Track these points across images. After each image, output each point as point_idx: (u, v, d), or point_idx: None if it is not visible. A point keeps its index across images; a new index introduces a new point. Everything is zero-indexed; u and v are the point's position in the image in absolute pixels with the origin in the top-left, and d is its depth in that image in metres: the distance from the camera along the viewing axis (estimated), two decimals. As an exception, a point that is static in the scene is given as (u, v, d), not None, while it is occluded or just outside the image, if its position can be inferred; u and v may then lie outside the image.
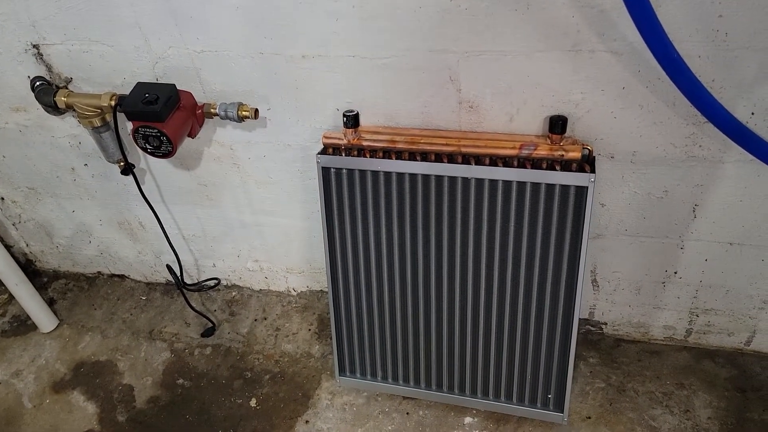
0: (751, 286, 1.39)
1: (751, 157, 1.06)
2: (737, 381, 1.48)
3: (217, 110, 1.33)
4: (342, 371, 1.57)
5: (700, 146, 1.17)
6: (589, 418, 1.44)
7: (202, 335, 1.77)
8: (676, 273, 1.42)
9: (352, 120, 1.27)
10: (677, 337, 1.56)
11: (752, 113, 1.09)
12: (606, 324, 1.60)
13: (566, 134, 1.19)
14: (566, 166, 1.19)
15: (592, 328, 1.62)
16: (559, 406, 1.42)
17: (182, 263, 1.75)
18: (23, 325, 1.88)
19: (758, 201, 1.23)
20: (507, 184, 1.22)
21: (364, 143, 1.28)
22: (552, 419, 1.43)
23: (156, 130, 1.26)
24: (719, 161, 1.19)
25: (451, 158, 1.24)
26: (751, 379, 1.48)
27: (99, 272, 2.01)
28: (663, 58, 0.92)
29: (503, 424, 1.46)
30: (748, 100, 1.08)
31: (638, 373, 1.52)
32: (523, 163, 1.21)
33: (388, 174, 1.29)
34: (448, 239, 1.32)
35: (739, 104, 1.09)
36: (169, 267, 1.73)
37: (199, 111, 1.35)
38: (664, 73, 0.95)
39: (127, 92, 1.30)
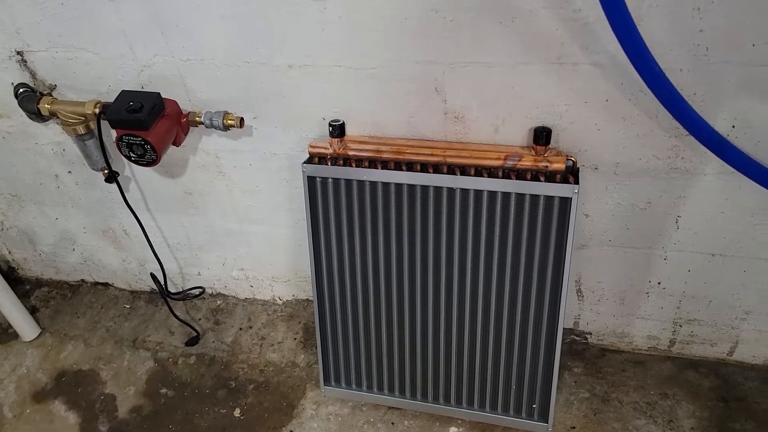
0: (734, 297, 1.41)
1: (731, 169, 1.08)
2: (720, 391, 1.49)
3: (202, 119, 1.32)
4: (327, 381, 1.56)
5: (682, 158, 1.18)
6: (574, 428, 1.44)
7: (187, 344, 1.76)
8: (659, 283, 1.43)
9: (338, 129, 1.27)
10: (661, 347, 1.57)
11: (733, 126, 1.11)
12: (590, 334, 1.60)
13: (551, 145, 1.20)
14: (550, 177, 1.19)
15: (577, 338, 1.62)
16: (544, 416, 1.42)
17: (167, 271, 1.74)
18: (4, 333, 1.86)
19: (740, 213, 1.25)
20: (492, 194, 1.22)
21: (350, 153, 1.28)
22: (537, 429, 1.43)
23: (140, 139, 1.25)
24: (701, 173, 1.20)
25: (437, 168, 1.25)
26: (733, 389, 1.49)
27: (82, 280, 1.99)
28: (645, 72, 0.93)
29: (488, 434, 1.46)
30: (728, 113, 1.09)
31: (622, 383, 1.53)
32: (507, 173, 1.21)
33: (373, 183, 1.29)
34: (433, 249, 1.32)
35: (720, 117, 1.10)
36: (153, 275, 1.72)
37: (184, 119, 1.34)
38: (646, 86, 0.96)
39: (112, 100, 1.29)
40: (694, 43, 1.01)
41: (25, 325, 1.81)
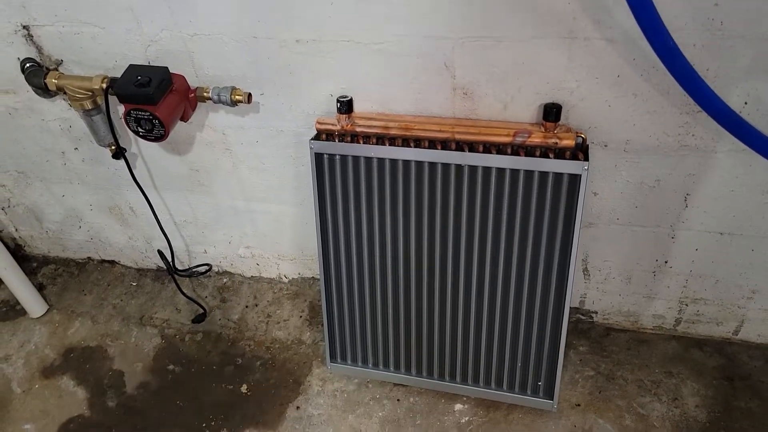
0: (741, 276, 1.41)
1: (743, 146, 1.06)
2: (725, 370, 1.49)
3: (209, 94, 1.32)
4: (333, 358, 1.57)
5: (693, 135, 1.18)
6: (579, 405, 1.45)
7: (193, 321, 1.77)
8: (666, 262, 1.43)
9: (345, 106, 1.26)
10: (666, 326, 1.57)
11: (745, 102, 1.10)
12: (596, 313, 1.60)
13: (560, 122, 1.19)
14: (560, 154, 1.19)
15: (583, 317, 1.63)
16: (549, 394, 1.43)
17: (174, 249, 1.74)
18: (12, 310, 1.87)
19: (749, 191, 1.24)
20: (500, 171, 1.22)
21: (358, 129, 1.28)
22: (542, 406, 1.44)
23: (148, 113, 1.24)
24: (712, 151, 1.19)
25: (445, 145, 1.24)
26: (738, 368, 1.50)
27: (89, 258, 1.99)
28: (659, 47, 0.92)
29: (493, 411, 1.47)
30: (741, 89, 1.08)
31: (627, 362, 1.53)
32: (516, 150, 1.21)
33: (381, 160, 1.28)
34: (440, 226, 1.32)
35: (733, 93, 1.09)
36: (160, 252, 1.72)
37: (192, 95, 1.33)
38: (659, 61, 0.95)
39: (119, 75, 1.28)
40: (709, 17, 1.00)
41: (32, 302, 1.82)
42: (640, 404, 1.44)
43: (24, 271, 1.79)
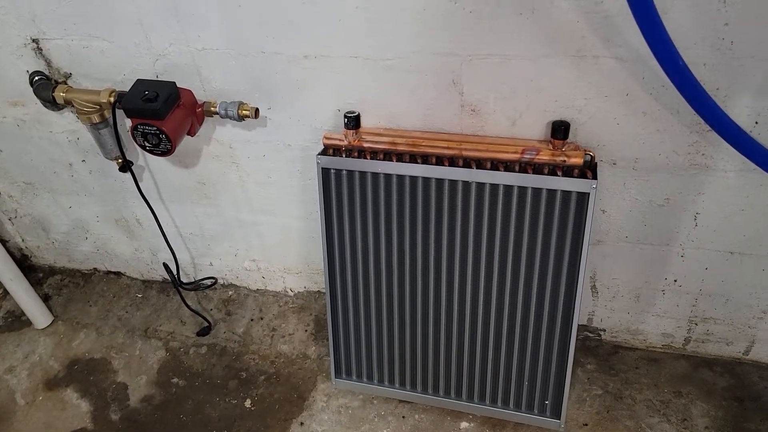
0: (751, 296, 1.39)
1: (753, 166, 1.05)
2: (735, 390, 1.47)
3: (217, 109, 1.32)
4: (338, 373, 1.56)
5: (703, 154, 1.17)
6: (586, 425, 1.44)
7: (198, 334, 1.76)
8: (675, 281, 1.42)
9: (353, 121, 1.26)
10: (675, 345, 1.56)
11: (756, 122, 1.09)
12: (604, 330, 1.59)
13: (569, 140, 1.18)
14: (568, 171, 1.18)
15: (590, 335, 1.61)
16: (556, 413, 1.41)
17: (179, 261, 1.74)
18: (17, 320, 1.87)
19: (760, 210, 1.23)
20: (508, 188, 1.21)
21: (365, 144, 1.27)
22: (549, 426, 1.43)
23: (155, 128, 1.24)
24: (722, 170, 1.18)
25: (452, 161, 1.23)
26: (748, 389, 1.47)
27: (95, 269, 1.99)
28: (668, 66, 0.91)
29: (499, 429, 1.45)
30: (752, 108, 1.07)
31: (636, 381, 1.51)
32: (524, 167, 1.20)
33: (388, 176, 1.28)
34: (447, 243, 1.31)
35: (743, 113, 1.08)
36: (166, 265, 1.72)
37: (199, 109, 1.33)
38: (668, 80, 0.94)
39: (127, 89, 1.29)
40: (719, 37, 1.00)
41: (37, 313, 1.82)
42: (648, 425, 1.42)
43: (30, 282, 1.79)
